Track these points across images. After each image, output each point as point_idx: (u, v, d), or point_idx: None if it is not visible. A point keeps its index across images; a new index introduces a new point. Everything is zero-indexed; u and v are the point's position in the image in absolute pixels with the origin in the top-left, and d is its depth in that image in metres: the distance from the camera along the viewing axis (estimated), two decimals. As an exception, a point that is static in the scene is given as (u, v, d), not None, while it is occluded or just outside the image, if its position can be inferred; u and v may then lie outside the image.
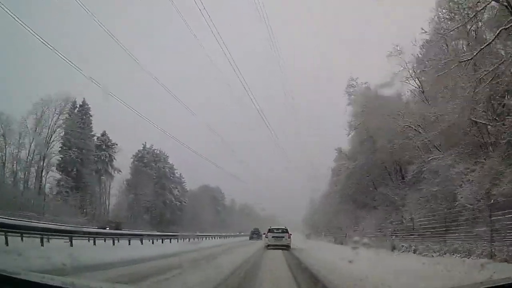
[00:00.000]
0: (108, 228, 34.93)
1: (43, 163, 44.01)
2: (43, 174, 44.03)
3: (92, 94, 46.47)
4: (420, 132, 19.41)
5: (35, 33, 23.05)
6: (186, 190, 77.46)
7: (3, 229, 15.29)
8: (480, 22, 15.46)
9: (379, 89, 25.62)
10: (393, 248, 19.64)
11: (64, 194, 46.16)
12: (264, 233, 31.63)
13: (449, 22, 16.41)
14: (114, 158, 56.40)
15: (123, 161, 58.96)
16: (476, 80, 14.04)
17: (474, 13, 13.81)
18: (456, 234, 15.65)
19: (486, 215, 13.34)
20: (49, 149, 44.13)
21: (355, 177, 29.98)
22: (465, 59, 14.19)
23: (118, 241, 25.71)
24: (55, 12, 63.94)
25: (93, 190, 51.63)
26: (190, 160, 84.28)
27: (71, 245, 19.03)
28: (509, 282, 2.25)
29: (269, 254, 21.20)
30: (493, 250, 12.23)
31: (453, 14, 15.56)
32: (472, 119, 15.70)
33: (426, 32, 18.28)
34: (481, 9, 13.78)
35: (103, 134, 56.74)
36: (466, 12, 13.97)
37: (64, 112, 47.18)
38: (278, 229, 27.54)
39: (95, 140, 55.57)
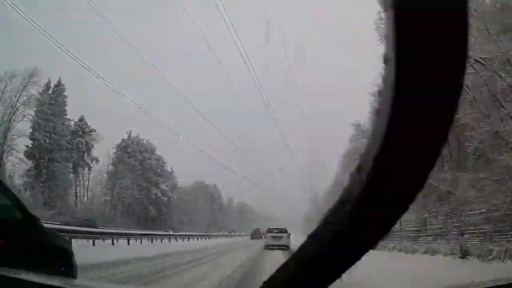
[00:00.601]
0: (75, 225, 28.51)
1: (2, 147, 37.35)
2: (3, 158, 37.39)
3: (74, 75, 40.60)
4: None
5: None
6: (177, 185, 71.16)
7: None
8: None
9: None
10: (466, 253, 13.13)
11: (29, 184, 39.76)
12: (263, 233, 31.42)
13: None
14: (92, 147, 49.97)
15: (105, 152, 52.83)
16: None
17: None
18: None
19: None
20: (9, 130, 37.43)
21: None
22: None
23: (88, 240, 21.62)
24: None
25: (65, 181, 45.02)
26: (185, 154, 78.71)
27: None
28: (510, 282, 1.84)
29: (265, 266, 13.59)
30: None
31: None
32: None
33: None
34: None
35: (81, 119, 50.33)
36: None
37: (29, 88, 40.31)
38: (277, 229, 26.96)
39: (72, 125, 49.25)
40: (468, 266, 11.40)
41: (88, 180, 50.50)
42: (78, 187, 49.30)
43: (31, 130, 42.50)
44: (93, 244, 21.34)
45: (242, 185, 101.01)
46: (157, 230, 45.67)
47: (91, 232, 24.39)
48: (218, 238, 55.80)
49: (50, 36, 33.04)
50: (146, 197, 54.45)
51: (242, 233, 70.90)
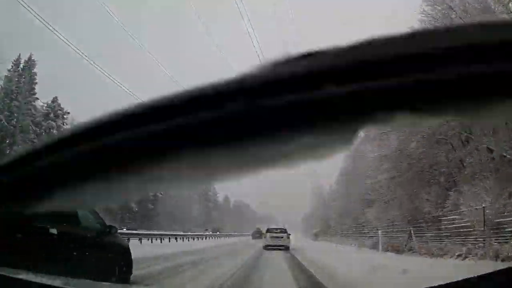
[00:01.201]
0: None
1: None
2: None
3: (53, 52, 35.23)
4: None
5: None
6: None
7: None
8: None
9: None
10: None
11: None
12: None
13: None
14: (66, 131, 44.04)
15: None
16: None
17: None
18: None
19: None
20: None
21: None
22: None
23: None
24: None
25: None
26: None
27: None
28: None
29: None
30: None
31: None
32: None
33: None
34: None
35: (54, 101, 44.46)
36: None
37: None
38: (277, 229, 26.90)
39: (43, 108, 43.52)
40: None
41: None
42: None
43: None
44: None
45: (242, 184, 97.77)
46: (138, 229, 39.77)
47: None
48: (205, 240, 48.56)
49: None
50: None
51: (235, 233, 64.30)
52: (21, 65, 41.53)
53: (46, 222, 5.19)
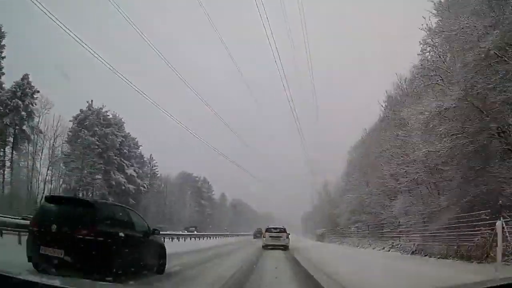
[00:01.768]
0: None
1: None
2: None
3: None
4: None
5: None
6: (156, 175, 59.92)
7: None
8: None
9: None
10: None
11: None
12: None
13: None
14: (34, 114, 38.49)
15: (61, 127, 41.86)
16: None
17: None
18: None
19: None
20: None
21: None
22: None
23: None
24: None
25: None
26: (172, 142, 70.22)
27: None
28: (509, 282, 2.10)
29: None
30: None
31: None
32: None
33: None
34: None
35: (24, 78, 38.92)
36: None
37: None
38: (276, 228, 26.93)
39: (12, 86, 38.01)
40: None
41: (29, 156, 38.83)
42: (13, 165, 37.63)
43: None
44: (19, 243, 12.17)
45: (242, 184, 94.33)
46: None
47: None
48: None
49: None
50: (106, 184, 42.88)
51: (229, 233, 58.34)
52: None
53: (117, 228, 7.73)
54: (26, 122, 37.86)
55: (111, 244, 7.18)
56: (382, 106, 28.19)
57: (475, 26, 11.45)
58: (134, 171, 46.54)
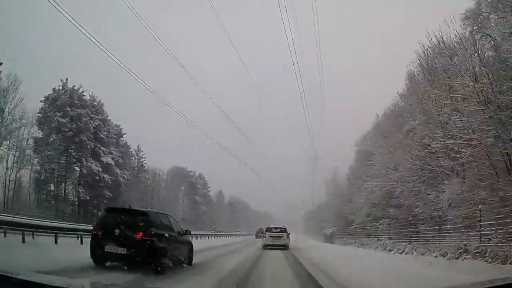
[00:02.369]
0: None
1: None
2: None
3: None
4: None
5: None
6: (144, 167, 54.16)
7: None
8: None
9: None
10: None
11: None
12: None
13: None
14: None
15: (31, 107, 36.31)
16: None
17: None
18: None
19: None
20: None
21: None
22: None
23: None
24: None
25: None
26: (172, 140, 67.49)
27: None
28: (508, 282, 2.06)
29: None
30: None
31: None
32: None
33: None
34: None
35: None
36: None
37: None
38: (276, 228, 26.62)
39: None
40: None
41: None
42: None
43: None
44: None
45: (242, 184, 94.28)
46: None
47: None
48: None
49: None
50: (76, 172, 36.77)
51: (220, 232, 52.96)
52: None
53: (163, 230, 10.01)
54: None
55: (161, 242, 9.47)
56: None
57: None
58: (113, 159, 40.50)
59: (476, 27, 16.08)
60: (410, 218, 19.60)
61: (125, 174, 42.50)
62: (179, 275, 9.72)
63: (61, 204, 34.99)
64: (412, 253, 17.18)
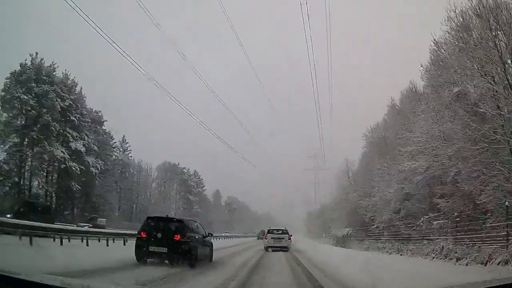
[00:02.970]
0: None
1: None
2: None
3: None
4: None
5: None
6: (129, 159, 48.62)
7: None
8: None
9: None
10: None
11: None
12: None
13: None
14: None
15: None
16: None
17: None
18: None
19: None
20: None
21: None
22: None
23: None
24: None
25: None
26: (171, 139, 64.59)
27: None
28: (509, 282, 2.07)
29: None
30: None
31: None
32: None
33: None
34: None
35: None
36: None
37: None
38: (278, 230, 26.80)
39: None
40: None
41: None
42: None
43: None
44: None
45: (242, 183, 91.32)
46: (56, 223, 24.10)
47: None
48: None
49: None
50: (44, 161, 31.00)
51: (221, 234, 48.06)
52: None
53: (194, 233, 12.93)
54: None
55: (193, 243, 12.22)
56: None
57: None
58: (84, 146, 34.75)
59: None
60: (468, 210, 13.82)
61: (99, 164, 36.77)
62: (205, 267, 12.32)
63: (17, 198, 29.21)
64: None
